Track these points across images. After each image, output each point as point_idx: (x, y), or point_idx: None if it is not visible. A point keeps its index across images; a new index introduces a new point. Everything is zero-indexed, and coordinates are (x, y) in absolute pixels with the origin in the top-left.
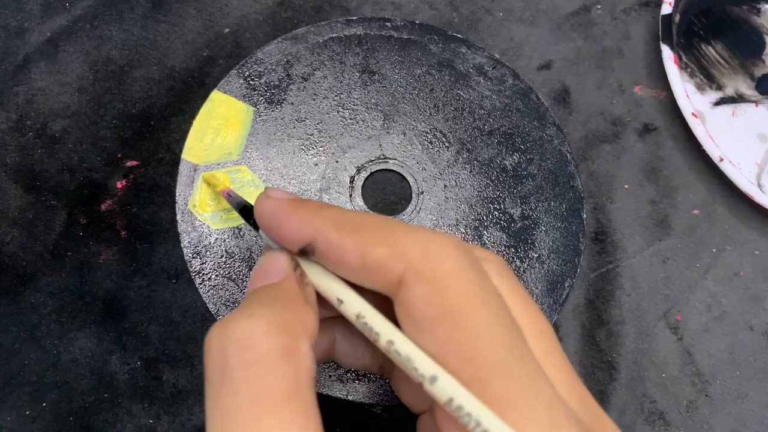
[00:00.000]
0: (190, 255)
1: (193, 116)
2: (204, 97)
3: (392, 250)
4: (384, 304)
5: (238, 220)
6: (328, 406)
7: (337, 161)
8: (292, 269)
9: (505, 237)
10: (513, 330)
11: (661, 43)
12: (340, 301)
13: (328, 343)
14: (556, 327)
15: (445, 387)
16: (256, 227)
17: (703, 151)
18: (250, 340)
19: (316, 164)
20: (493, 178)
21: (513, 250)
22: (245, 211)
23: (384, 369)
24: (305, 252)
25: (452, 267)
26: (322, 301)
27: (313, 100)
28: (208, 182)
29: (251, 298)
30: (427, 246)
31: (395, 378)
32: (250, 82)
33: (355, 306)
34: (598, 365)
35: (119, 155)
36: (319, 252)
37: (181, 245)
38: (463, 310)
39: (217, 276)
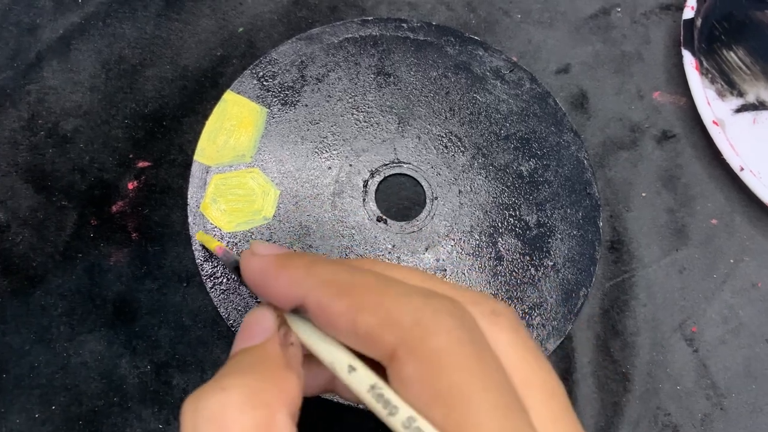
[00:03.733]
0: (202, 258)
1: (205, 117)
2: (217, 97)
3: (383, 319)
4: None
5: (251, 224)
6: (330, 412)
7: (350, 165)
8: (276, 329)
9: (520, 244)
10: (515, 413)
11: (682, 48)
12: (352, 369)
13: (326, 378)
14: (570, 337)
15: None
16: None
17: (723, 159)
18: (223, 418)
19: (330, 168)
20: (509, 184)
21: (528, 257)
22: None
23: None
24: (298, 311)
25: (446, 341)
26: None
27: (327, 102)
28: (202, 241)
29: (228, 365)
30: (420, 316)
31: None
32: (264, 82)
33: (366, 377)
34: (612, 376)
35: (131, 156)
36: (311, 314)
37: (193, 248)
38: (460, 392)
39: (228, 280)
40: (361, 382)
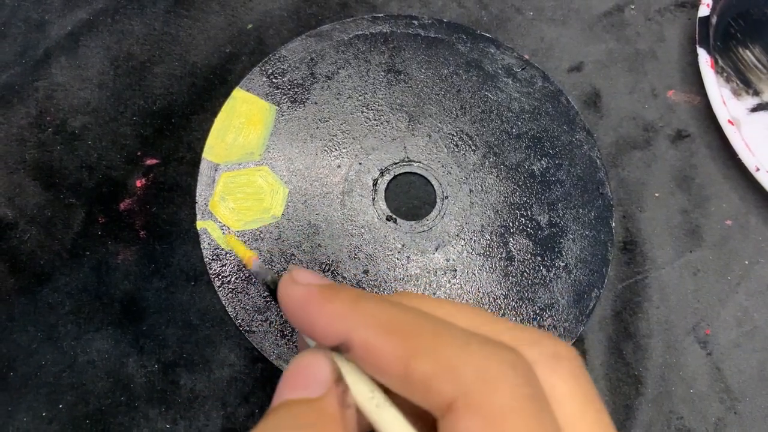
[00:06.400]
0: (210, 257)
1: (214, 114)
2: (226, 94)
3: (443, 368)
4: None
5: (260, 223)
6: None
7: (360, 163)
8: (334, 382)
9: (531, 244)
10: None
11: (697, 46)
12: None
13: None
14: (582, 339)
15: None
16: None
17: (738, 159)
18: None
19: (339, 166)
20: (521, 183)
21: (539, 258)
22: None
23: None
24: (337, 349)
25: (510, 398)
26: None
27: (337, 99)
28: (232, 247)
29: (283, 416)
30: (484, 369)
31: None
32: (273, 80)
33: None
34: (624, 379)
35: (139, 153)
36: (355, 354)
37: (201, 247)
38: None
39: (237, 279)
40: None
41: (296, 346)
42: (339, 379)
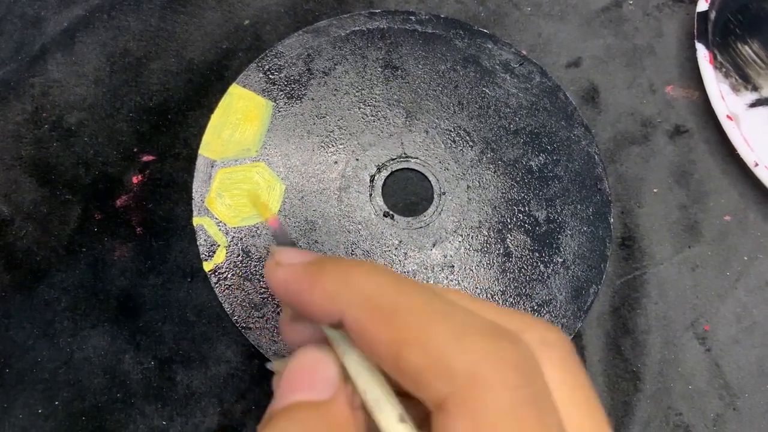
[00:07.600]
0: (206, 253)
1: (211, 110)
2: (222, 90)
3: (434, 362)
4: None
5: (257, 219)
6: None
7: (357, 159)
8: (342, 382)
9: (529, 240)
10: None
11: (695, 41)
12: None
13: None
14: (580, 335)
15: None
16: None
17: (737, 154)
18: None
19: (336, 162)
20: (518, 179)
21: (537, 254)
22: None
23: None
24: (334, 326)
25: (507, 402)
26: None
27: (334, 95)
28: (254, 202)
29: (290, 422)
30: (479, 367)
31: None
32: (270, 76)
33: None
34: (622, 375)
35: (135, 149)
36: (350, 333)
37: (197, 243)
38: None
39: (233, 275)
40: None
41: None
42: (346, 378)
